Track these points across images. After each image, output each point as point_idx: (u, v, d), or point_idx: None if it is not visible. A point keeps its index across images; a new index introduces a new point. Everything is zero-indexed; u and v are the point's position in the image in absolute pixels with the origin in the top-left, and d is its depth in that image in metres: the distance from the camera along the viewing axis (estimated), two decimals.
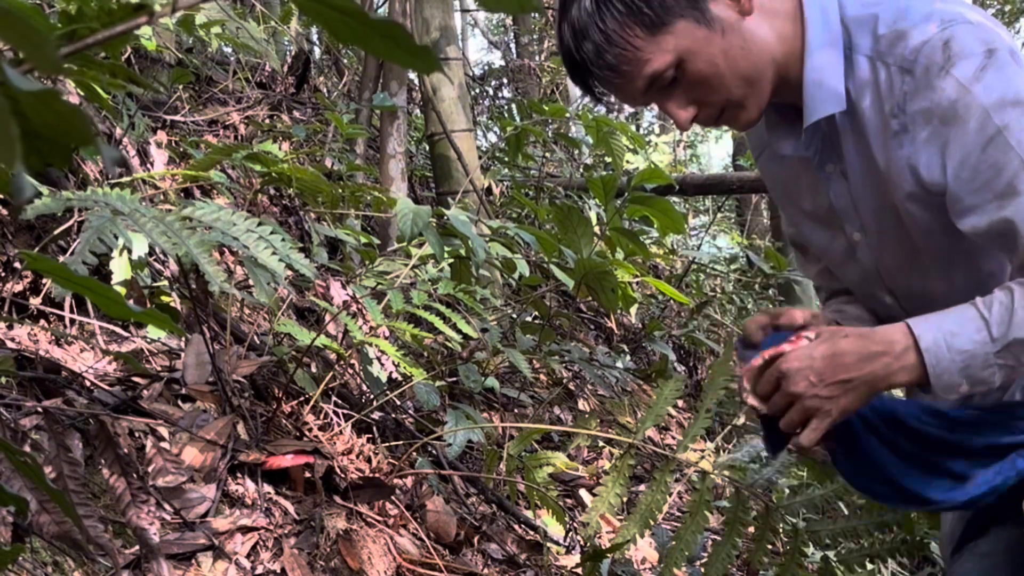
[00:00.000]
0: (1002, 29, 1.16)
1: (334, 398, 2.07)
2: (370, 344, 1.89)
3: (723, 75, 1.19)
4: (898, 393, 1.53)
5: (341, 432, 1.96)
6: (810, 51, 1.20)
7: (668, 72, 1.18)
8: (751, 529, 1.72)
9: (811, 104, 1.22)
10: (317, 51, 6.42)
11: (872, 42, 1.18)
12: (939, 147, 1.14)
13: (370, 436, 2.09)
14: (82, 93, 1.70)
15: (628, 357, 4.00)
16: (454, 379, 2.59)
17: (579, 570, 1.97)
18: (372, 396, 2.17)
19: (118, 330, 1.86)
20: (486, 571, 1.96)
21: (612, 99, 1.29)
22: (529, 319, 3.37)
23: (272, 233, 1.49)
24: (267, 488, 1.66)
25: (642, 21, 1.16)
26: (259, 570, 1.47)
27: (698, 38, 1.17)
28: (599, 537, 2.25)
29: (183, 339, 1.92)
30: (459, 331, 2.02)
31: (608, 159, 3.85)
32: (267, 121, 3.61)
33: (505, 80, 8.20)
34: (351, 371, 2.28)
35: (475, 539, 2.06)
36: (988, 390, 1.15)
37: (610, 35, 1.17)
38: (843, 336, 1.18)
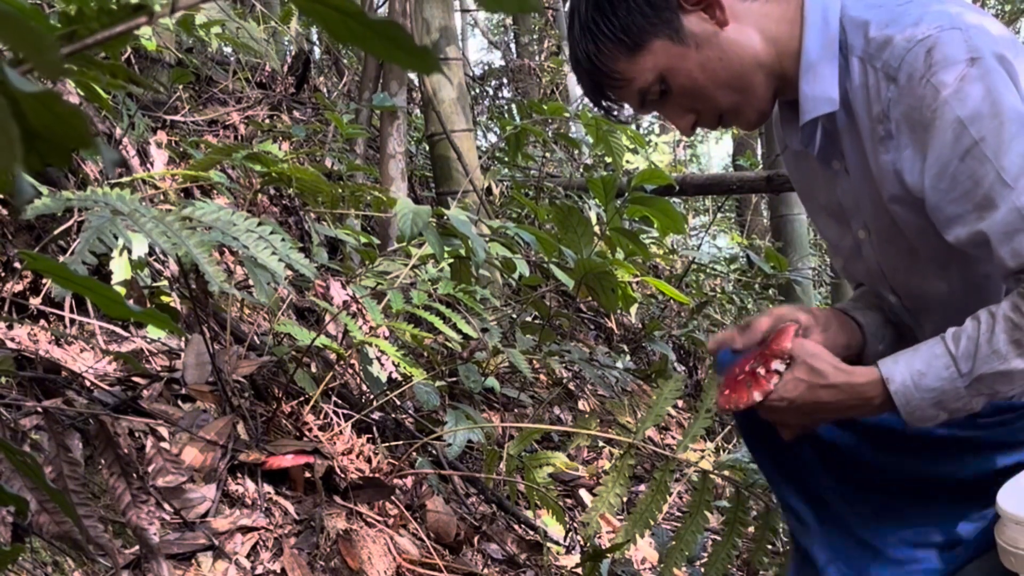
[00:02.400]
0: (999, 31, 1.15)
1: (334, 398, 2.07)
2: (370, 344, 1.89)
3: (704, 86, 1.23)
4: None
5: (341, 432, 1.96)
6: (806, 52, 1.22)
7: (654, 88, 1.24)
8: (751, 529, 1.72)
9: (804, 104, 1.23)
10: (317, 51, 6.42)
11: (864, 44, 1.18)
12: (920, 155, 1.15)
13: (370, 436, 2.09)
14: (82, 93, 1.70)
15: (628, 357, 4.00)
16: (454, 379, 2.58)
17: (579, 570, 1.97)
18: (372, 396, 2.17)
19: (118, 330, 1.86)
20: (486, 571, 1.96)
21: (623, 111, 1.35)
22: (529, 319, 3.37)
23: (272, 233, 1.49)
24: (267, 488, 1.66)
25: (621, 46, 1.22)
26: (259, 570, 1.47)
27: (674, 55, 1.22)
28: (599, 537, 2.24)
29: (183, 339, 1.92)
30: (459, 331, 2.02)
31: (608, 159, 3.85)
32: (267, 121, 3.61)
33: (505, 80, 8.20)
34: (351, 371, 2.28)
35: (475, 539, 2.06)
36: (970, 413, 1.17)
37: (594, 60, 1.24)
38: (821, 386, 1.20)
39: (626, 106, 1.32)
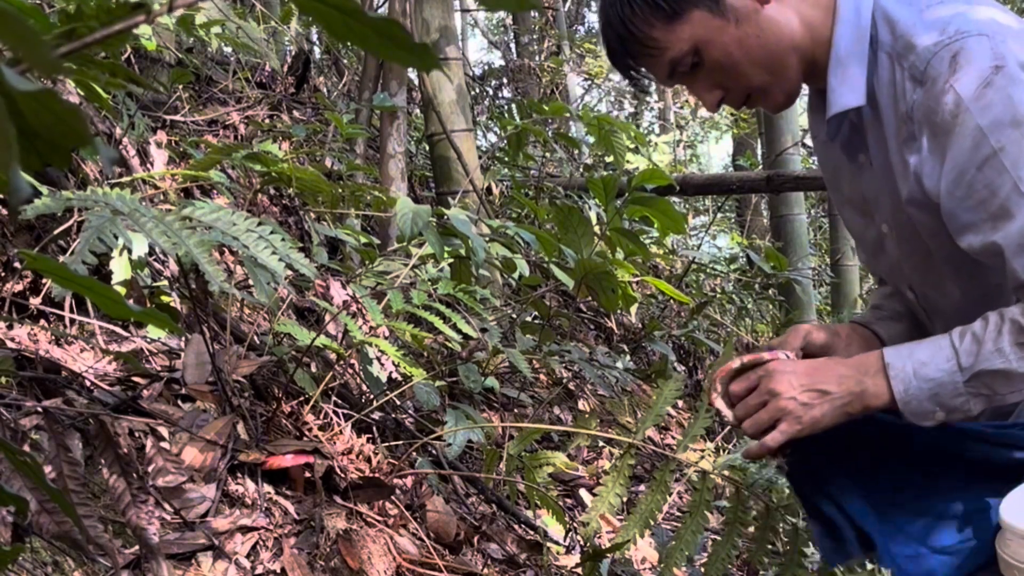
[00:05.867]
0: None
1: (334, 398, 2.07)
2: (370, 344, 1.89)
3: (739, 63, 1.22)
4: None
5: (341, 432, 1.96)
6: (837, 42, 1.21)
7: (686, 59, 1.22)
8: (751, 529, 1.72)
9: (832, 96, 1.22)
10: (317, 51, 6.42)
11: (892, 41, 1.18)
12: (939, 160, 1.14)
13: (370, 436, 2.09)
14: (82, 93, 1.70)
15: (628, 357, 4.00)
16: (454, 379, 2.58)
17: (579, 570, 1.97)
18: (372, 396, 2.17)
19: (118, 330, 1.86)
20: (486, 571, 1.96)
21: (649, 84, 1.33)
22: (529, 319, 3.37)
23: (272, 233, 1.48)
24: (267, 488, 1.66)
25: (658, 13, 1.20)
26: (259, 570, 1.47)
27: (712, 27, 1.20)
28: (599, 537, 2.25)
29: (183, 339, 1.92)
30: (459, 331, 2.02)
31: (608, 159, 3.85)
32: (267, 121, 3.61)
33: (505, 80, 8.20)
34: (351, 371, 2.28)
35: (475, 539, 2.06)
36: (966, 416, 1.15)
37: (629, 26, 1.22)
38: (824, 357, 1.24)
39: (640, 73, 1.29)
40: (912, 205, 1.21)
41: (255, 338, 2.08)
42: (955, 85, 1.09)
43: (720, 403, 1.28)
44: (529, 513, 2.29)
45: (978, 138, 1.08)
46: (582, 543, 2.24)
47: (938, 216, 1.18)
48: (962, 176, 1.11)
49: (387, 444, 2.12)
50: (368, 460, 1.95)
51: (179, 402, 1.75)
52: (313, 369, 2.13)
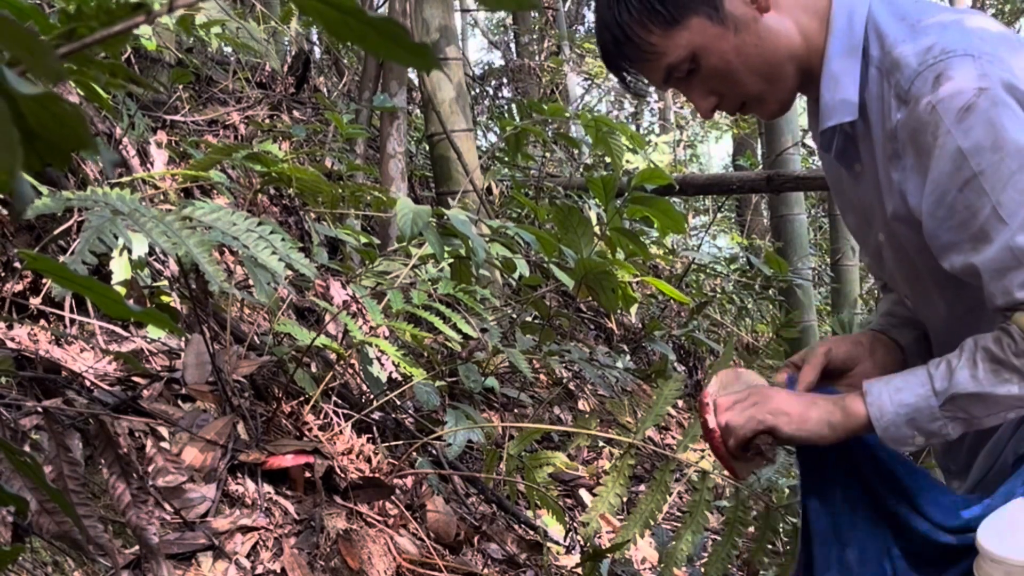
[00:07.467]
0: (1016, 54, 1.12)
1: (334, 398, 2.07)
2: (370, 344, 1.89)
3: (736, 71, 1.21)
4: None
5: (341, 432, 1.96)
6: (829, 56, 1.21)
7: (683, 65, 1.22)
8: (751, 529, 1.72)
9: (825, 109, 1.22)
10: (317, 51, 6.42)
11: (881, 56, 1.17)
12: (921, 179, 1.14)
13: (370, 436, 2.09)
14: (82, 93, 1.70)
15: (628, 357, 4.00)
16: (454, 379, 2.58)
17: (579, 570, 1.97)
18: (372, 396, 2.17)
19: (118, 330, 1.86)
20: (486, 571, 1.96)
21: (643, 86, 1.31)
22: (529, 319, 3.37)
23: (272, 233, 1.48)
24: (267, 488, 1.66)
25: (657, 18, 1.19)
26: (259, 570, 1.47)
27: (711, 35, 1.19)
28: (599, 537, 2.25)
29: (183, 339, 1.92)
30: (459, 331, 2.02)
31: (608, 159, 3.85)
32: (267, 121, 3.61)
33: (505, 80, 8.21)
34: (351, 371, 2.28)
35: (475, 539, 2.06)
36: (945, 441, 1.17)
37: (626, 30, 1.21)
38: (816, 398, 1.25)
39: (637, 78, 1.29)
40: (897, 220, 1.21)
41: (255, 338, 2.08)
42: (938, 106, 1.09)
43: (711, 419, 1.29)
44: (529, 513, 2.29)
45: (959, 161, 1.08)
46: (582, 543, 2.24)
47: (922, 233, 1.18)
48: (943, 197, 1.11)
49: (387, 444, 2.12)
50: (368, 460, 1.95)
51: (179, 402, 1.75)
52: (313, 369, 2.13)
